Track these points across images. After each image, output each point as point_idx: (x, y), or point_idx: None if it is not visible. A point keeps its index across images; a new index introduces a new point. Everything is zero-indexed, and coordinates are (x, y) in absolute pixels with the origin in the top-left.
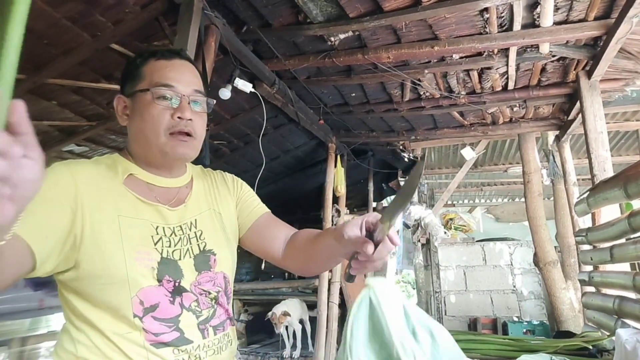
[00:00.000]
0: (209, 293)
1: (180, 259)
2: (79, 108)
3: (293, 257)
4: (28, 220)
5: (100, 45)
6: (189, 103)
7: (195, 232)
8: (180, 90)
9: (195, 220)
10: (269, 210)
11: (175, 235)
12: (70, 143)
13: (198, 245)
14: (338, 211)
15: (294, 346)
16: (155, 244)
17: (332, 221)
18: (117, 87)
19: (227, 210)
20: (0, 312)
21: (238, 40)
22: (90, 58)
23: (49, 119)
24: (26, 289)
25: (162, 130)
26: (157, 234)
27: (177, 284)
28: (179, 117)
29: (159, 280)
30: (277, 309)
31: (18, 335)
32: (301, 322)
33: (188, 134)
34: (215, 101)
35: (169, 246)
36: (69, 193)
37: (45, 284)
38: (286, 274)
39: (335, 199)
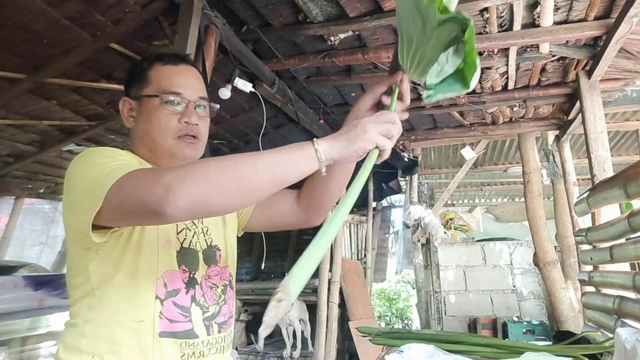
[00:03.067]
0: (217, 286)
1: (197, 251)
2: (79, 108)
3: (308, 199)
4: None
5: (100, 45)
6: (194, 108)
7: (202, 228)
8: (187, 97)
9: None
10: None
11: (190, 230)
12: (69, 142)
13: (205, 240)
14: None
15: (294, 346)
16: (177, 233)
17: None
18: (116, 86)
19: None
20: (0, 312)
21: (238, 40)
22: (90, 58)
23: (49, 119)
24: (26, 288)
25: (170, 134)
26: (179, 225)
27: (191, 276)
28: (185, 122)
29: (178, 267)
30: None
31: (18, 335)
32: (301, 321)
33: (194, 137)
34: (219, 106)
35: (188, 237)
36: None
37: (45, 284)
38: (286, 274)
39: None
